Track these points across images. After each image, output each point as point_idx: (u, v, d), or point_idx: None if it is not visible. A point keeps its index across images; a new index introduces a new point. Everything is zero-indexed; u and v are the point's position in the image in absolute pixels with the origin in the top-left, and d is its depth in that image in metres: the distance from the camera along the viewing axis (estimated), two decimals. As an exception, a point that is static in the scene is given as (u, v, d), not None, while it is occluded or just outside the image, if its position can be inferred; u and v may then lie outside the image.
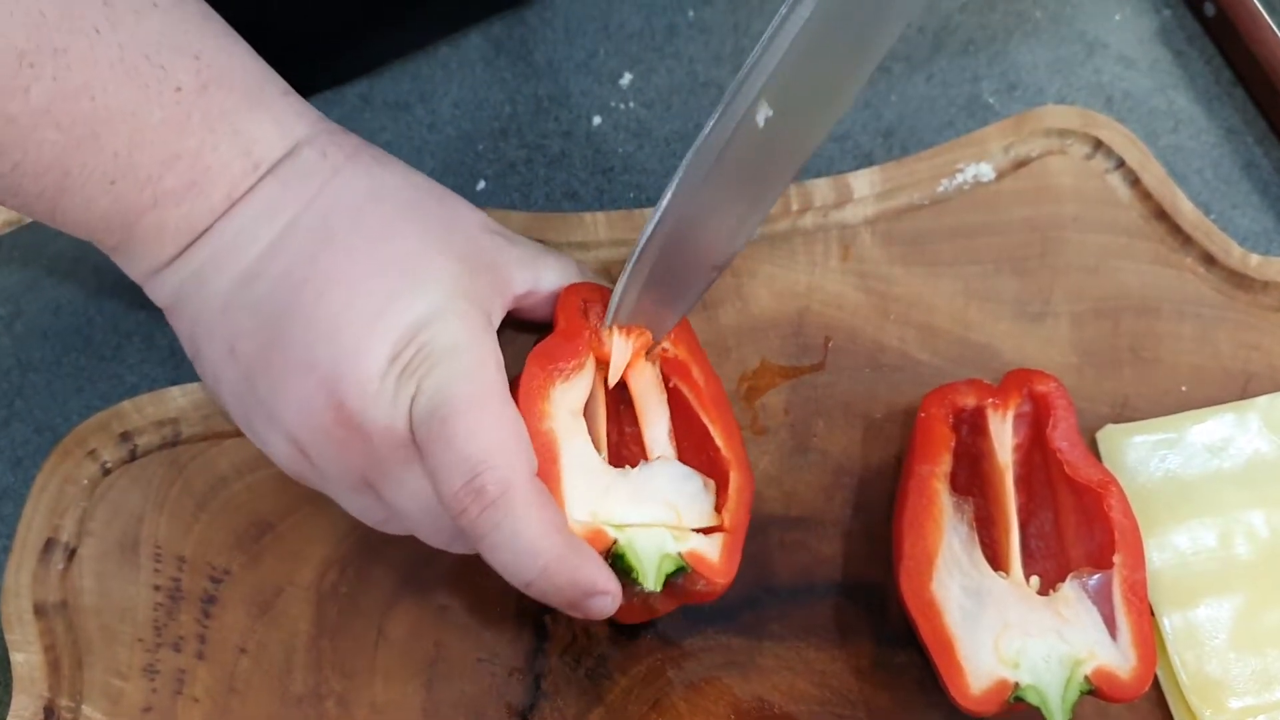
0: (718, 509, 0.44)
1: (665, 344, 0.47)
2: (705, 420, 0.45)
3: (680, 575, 0.42)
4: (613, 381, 0.45)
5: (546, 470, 0.40)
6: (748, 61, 0.40)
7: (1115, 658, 0.43)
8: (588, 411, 0.44)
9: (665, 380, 0.46)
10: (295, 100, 0.42)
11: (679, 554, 0.42)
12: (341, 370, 0.38)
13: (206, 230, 0.40)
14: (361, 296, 0.39)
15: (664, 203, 0.42)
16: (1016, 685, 0.42)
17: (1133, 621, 0.44)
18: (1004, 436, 0.47)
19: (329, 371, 0.38)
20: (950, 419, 0.48)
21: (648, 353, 0.46)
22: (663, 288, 0.44)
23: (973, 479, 0.48)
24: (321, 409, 0.39)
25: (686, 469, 0.45)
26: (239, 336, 0.40)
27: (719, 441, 0.45)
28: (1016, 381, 0.48)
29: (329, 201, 0.40)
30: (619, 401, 0.46)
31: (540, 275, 0.44)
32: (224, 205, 0.39)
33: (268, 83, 0.41)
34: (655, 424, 0.46)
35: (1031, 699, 0.42)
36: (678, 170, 0.42)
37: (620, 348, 0.45)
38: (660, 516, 0.43)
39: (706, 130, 0.41)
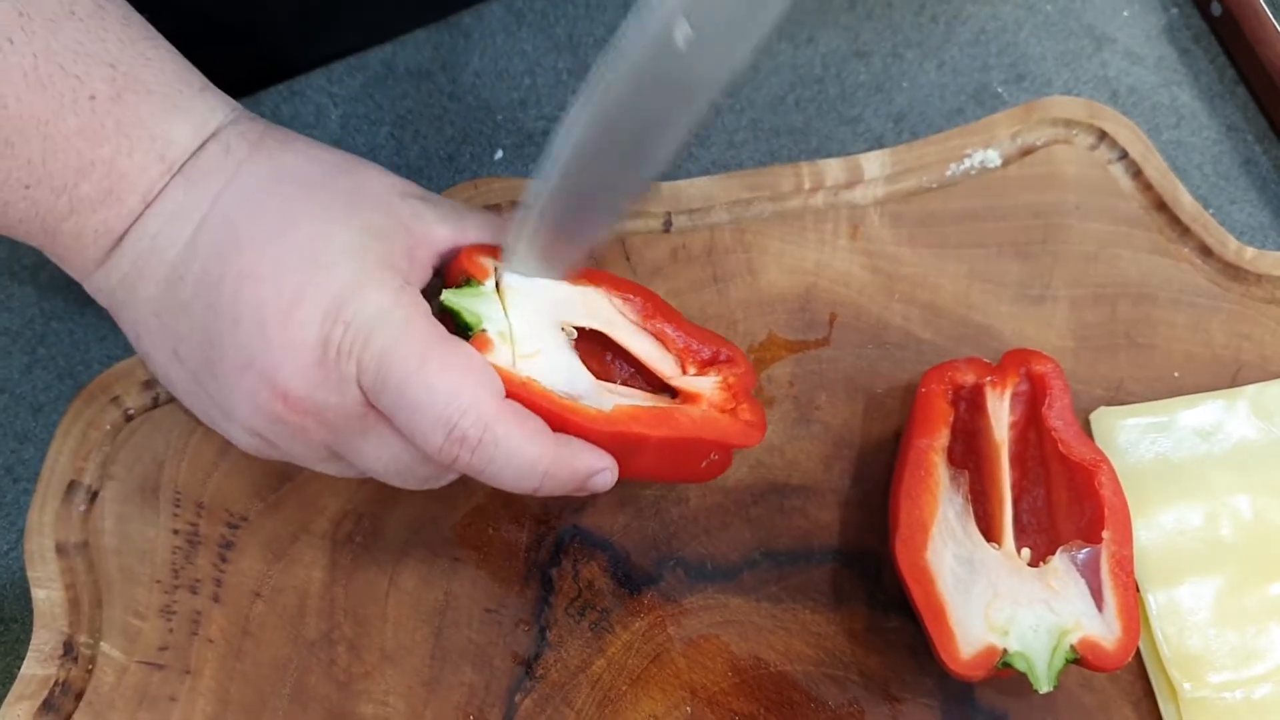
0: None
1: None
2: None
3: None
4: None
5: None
6: None
7: (1100, 629, 0.45)
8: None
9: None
10: (211, 96, 0.42)
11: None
12: (277, 361, 0.39)
13: (124, 235, 0.40)
14: (275, 286, 0.39)
15: (571, 126, 0.40)
16: (1005, 652, 0.44)
17: (1119, 595, 0.45)
18: (1001, 413, 0.49)
19: (266, 365, 0.39)
20: (949, 395, 0.49)
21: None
22: (567, 223, 0.43)
23: (969, 453, 0.50)
24: (269, 400, 0.39)
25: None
26: (179, 340, 0.40)
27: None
28: (1015, 361, 0.49)
29: (232, 196, 0.40)
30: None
31: (464, 230, 0.43)
32: (140, 209, 0.40)
33: (185, 83, 0.41)
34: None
35: (1019, 665, 0.44)
36: (587, 86, 0.38)
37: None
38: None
39: (619, 49, 0.38)
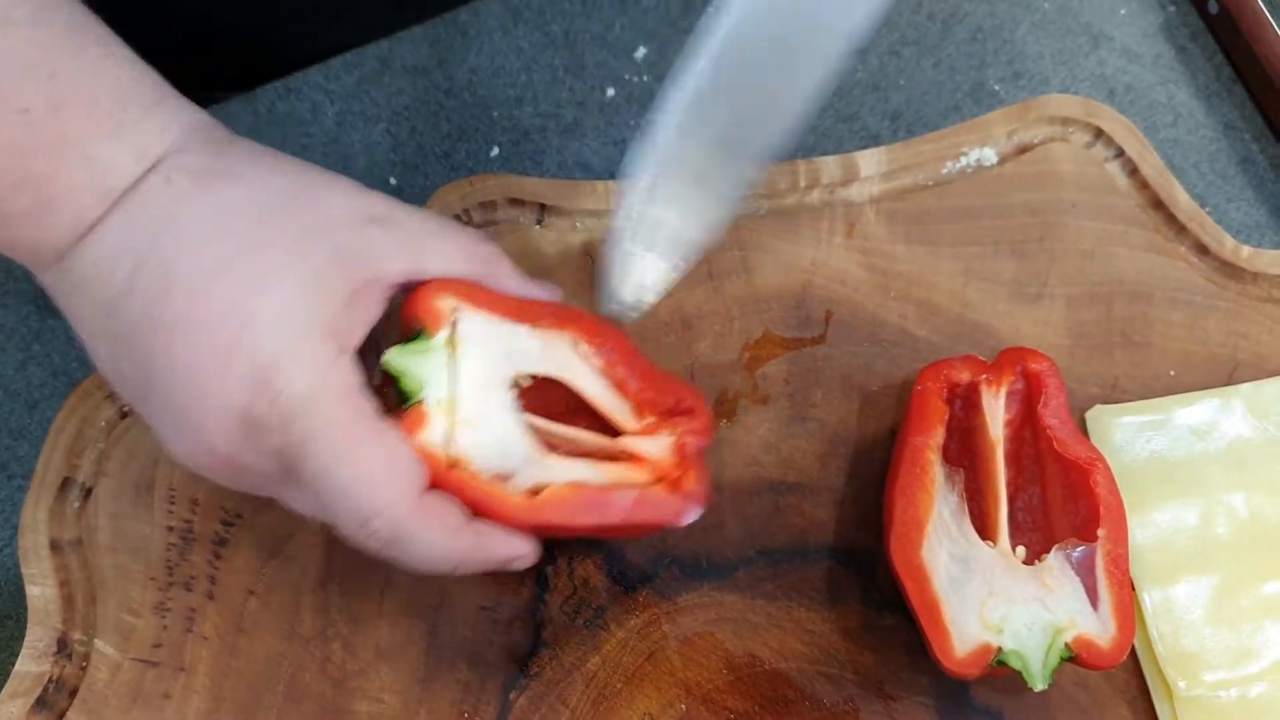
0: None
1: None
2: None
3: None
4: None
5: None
6: None
7: (1095, 627, 0.45)
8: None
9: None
10: (162, 113, 0.40)
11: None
12: (203, 420, 0.38)
13: (66, 254, 0.39)
14: (205, 343, 0.38)
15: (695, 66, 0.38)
16: (1000, 650, 0.44)
17: (1114, 593, 0.45)
18: (996, 411, 0.49)
19: (193, 419, 0.38)
20: (945, 393, 0.49)
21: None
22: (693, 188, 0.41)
23: (964, 451, 0.50)
24: (197, 447, 0.39)
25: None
26: (119, 363, 0.40)
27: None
28: (1010, 359, 0.49)
29: (171, 239, 0.38)
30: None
31: (423, 262, 0.41)
32: (73, 231, 0.38)
33: (133, 99, 0.39)
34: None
35: (1014, 663, 0.44)
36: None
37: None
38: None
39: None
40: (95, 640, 0.48)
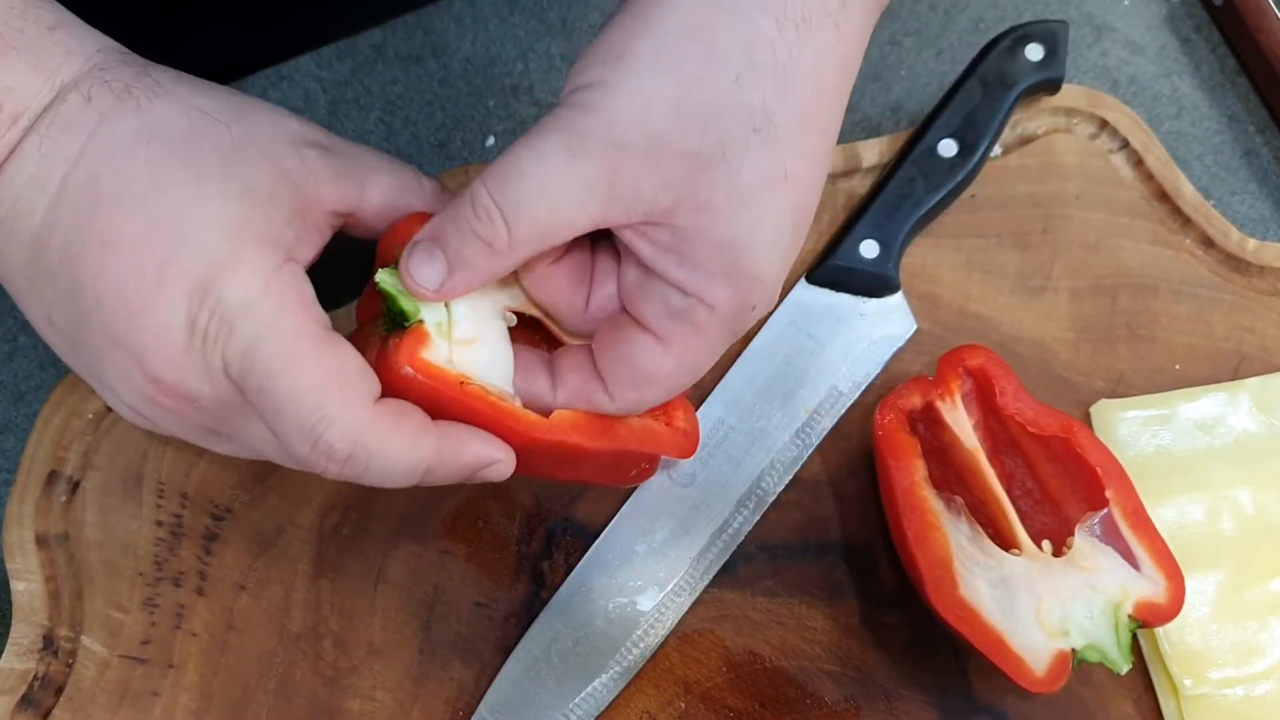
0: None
1: None
2: None
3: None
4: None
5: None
6: None
7: (1146, 586, 0.44)
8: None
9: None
10: (65, 35, 0.37)
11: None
12: (144, 346, 0.36)
13: None
14: (138, 260, 0.35)
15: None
16: (1074, 651, 0.43)
17: (1146, 545, 0.45)
18: (962, 422, 0.48)
19: (134, 347, 0.36)
20: (906, 424, 0.48)
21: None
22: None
23: (948, 470, 0.48)
24: (142, 383, 0.37)
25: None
26: (51, 308, 0.38)
27: None
28: (950, 365, 0.48)
29: (95, 155, 0.36)
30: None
31: (365, 190, 0.39)
32: None
33: (29, 20, 0.37)
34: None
35: (1092, 658, 0.43)
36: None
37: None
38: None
39: None
40: (82, 637, 0.47)
